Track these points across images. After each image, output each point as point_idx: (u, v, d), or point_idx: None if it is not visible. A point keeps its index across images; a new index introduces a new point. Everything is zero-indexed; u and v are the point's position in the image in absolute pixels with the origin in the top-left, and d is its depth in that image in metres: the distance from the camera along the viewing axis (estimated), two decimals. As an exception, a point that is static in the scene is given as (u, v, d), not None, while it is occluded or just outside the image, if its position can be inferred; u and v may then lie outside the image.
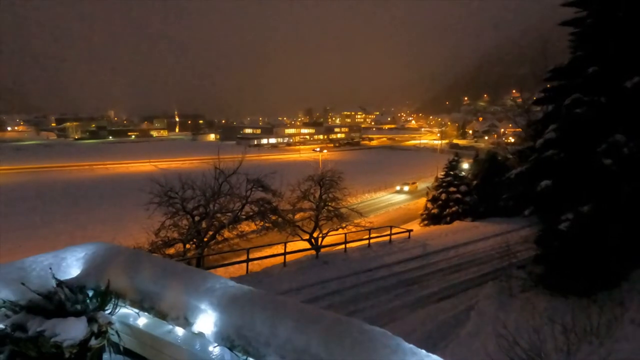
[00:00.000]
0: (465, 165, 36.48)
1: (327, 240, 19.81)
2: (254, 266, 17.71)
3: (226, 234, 17.28)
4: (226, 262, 17.40)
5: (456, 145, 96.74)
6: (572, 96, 11.05)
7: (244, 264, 17.01)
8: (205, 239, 16.64)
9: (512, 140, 60.17)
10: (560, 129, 11.57)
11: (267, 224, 18.05)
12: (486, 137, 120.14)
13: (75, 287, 1.80)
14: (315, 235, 19.18)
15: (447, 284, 14.85)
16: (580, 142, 10.94)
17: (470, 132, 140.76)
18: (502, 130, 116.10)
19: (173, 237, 16.33)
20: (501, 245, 15.51)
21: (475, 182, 31.51)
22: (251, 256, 17.17)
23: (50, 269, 1.86)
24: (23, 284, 1.70)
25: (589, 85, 10.98)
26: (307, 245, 19.23)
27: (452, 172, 30.46)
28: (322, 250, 19.30)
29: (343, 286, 14.58)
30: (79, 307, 1.71)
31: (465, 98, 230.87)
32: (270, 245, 20.61)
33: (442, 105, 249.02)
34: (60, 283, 1.76)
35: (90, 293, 1.84)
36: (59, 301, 1.68)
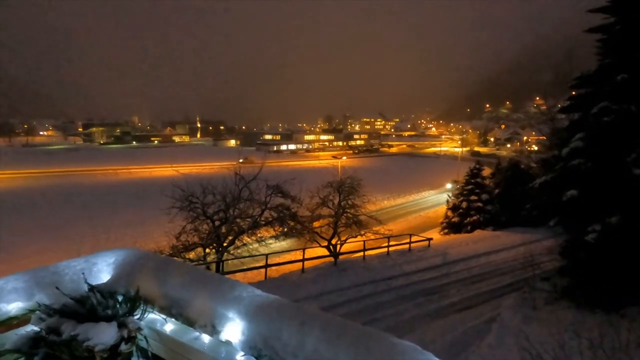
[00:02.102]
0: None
1: (346, 247, 19.72)
2: (272, 272, 17.77)
3: (245, 239, 17.40)
4: (245, 267, 17.50)
5: (477, 153, 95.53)
6: (600, 104, 10.78)
7: (262, 270, 17.10)
8: (225, 244, 16.78)
9: (536, 148, 59.00)
10: (587, 138, 11.28)
11: (286, 230, 18.10)
12: (508, 145, 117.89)
13: (106, 292, 1.83)
14: (333, 242, 19.13)
15: (467, 294, 14.54)
16: (609, 151, 10.64)
17: (492, 139, 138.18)
18: (525, 138, 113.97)
19: (193, 242, 16.51)
20: (524, 256, 15.12)
21: (497, 191, 30.87)
22: (270, 262, 17.25)
23: (83, 273, 1.91)
24: (57, 288, 1.75)
25: (618, 93, 10.69)
26: (325, 252, 19.18)
27: (473, 180, 29.95)
28: (341, 257, 19.21)
29: (361, 294, 14.45)
30: (109, 312, 1.74)
31: (487, 105, 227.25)
32: (289, 251, 20.71)
33: (463, 113, 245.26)
34: (92, 288, 1.80)
35: (120, 298, 1.87)
36: (91, 306, 1.72)
